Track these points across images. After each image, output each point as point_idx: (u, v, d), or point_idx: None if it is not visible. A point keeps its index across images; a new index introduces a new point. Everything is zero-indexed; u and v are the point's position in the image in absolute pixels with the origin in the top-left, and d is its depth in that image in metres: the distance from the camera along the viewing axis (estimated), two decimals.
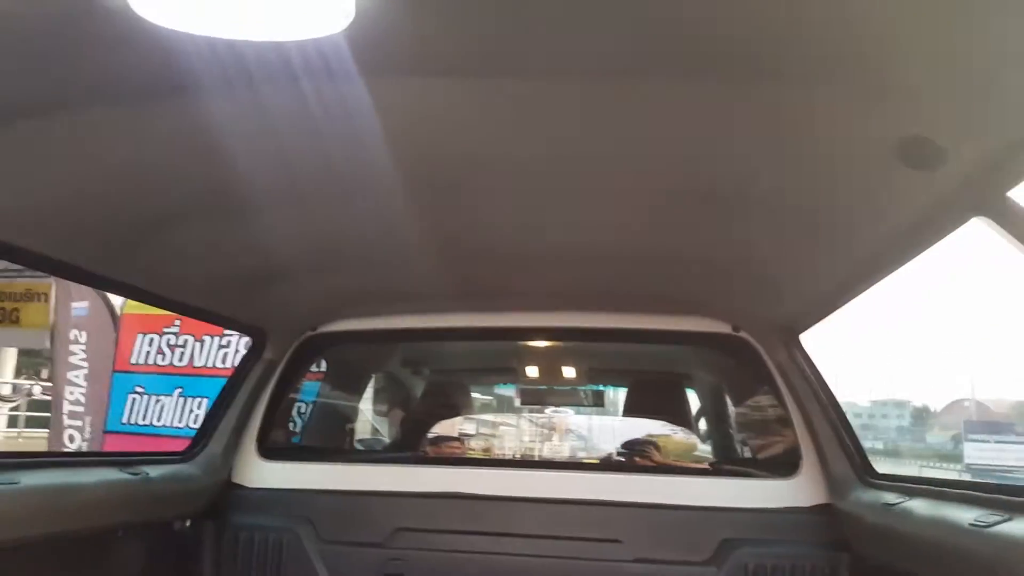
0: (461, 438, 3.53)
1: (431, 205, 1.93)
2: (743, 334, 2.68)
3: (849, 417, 2.53)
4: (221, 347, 5.98)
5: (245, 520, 2.70)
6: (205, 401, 5.83)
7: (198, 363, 6.04)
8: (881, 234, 1.75)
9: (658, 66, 1.23)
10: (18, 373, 14.31)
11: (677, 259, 2.24)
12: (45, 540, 1.99)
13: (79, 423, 6.48)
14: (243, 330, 2.93)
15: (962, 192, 1.42)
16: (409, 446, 3.42)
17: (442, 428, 3.48)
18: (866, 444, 2.64)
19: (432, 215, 2.00)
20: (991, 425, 24.69)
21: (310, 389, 3.25)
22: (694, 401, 3.65)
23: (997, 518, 1.54)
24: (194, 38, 1.10)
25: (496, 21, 1.13)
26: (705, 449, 3.32)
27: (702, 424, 3.45)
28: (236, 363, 5.70)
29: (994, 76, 1.13)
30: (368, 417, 3.61)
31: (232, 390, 2.86)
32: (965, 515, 1.64)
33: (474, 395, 4.21)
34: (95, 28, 1.10)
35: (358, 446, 3.48)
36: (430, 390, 3.91)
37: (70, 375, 6.57)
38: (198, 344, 6.07)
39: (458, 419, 3.82)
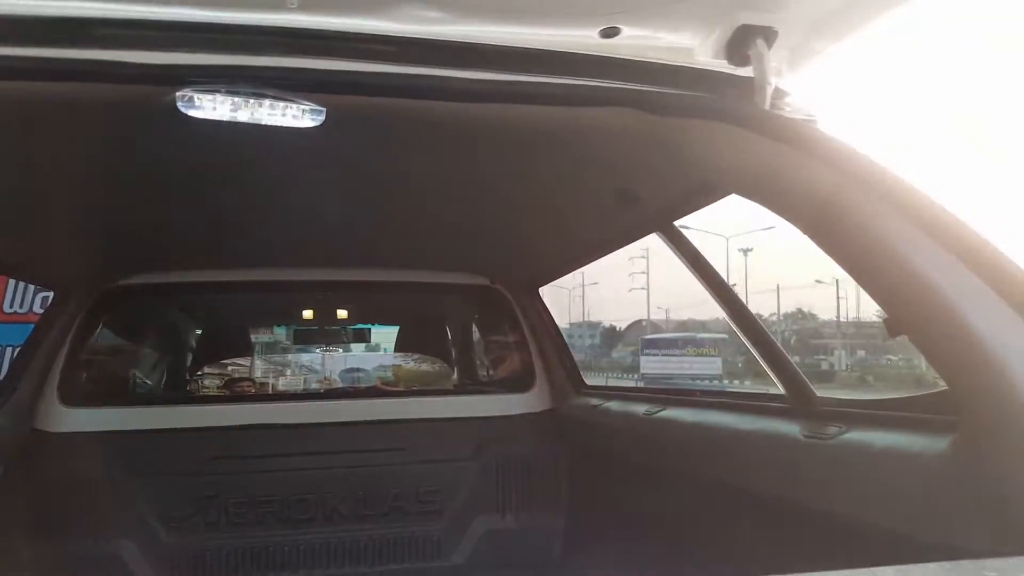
0: (251, 379, 3.91)
1: (202, 193, 2.36)
2: (498, 286, 3.50)
3: None
4: None
5: (56, 463, 2.83)
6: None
7: None
8: (596, 235, 2.70)
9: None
10: None
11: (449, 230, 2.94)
12: None
13: None
14: (47, 284, 3.04)
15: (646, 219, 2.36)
16: (202, 387, 3.75)
17: (231, 370, 3.85)
18: None
19: (201, 199, 2.41)
20: (659, 341, 30.15)
21: (110, 339, 3.42)
22: (456, 338, 4.42)
23: (657, 409, 2.53)
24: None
25: None
26: (466, 374, 4.13)
27: (462, 355, 4.24)
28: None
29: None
30: (164, 363, 3.83)
31: (36, 341, 2.98)
32: (639, 408, 2.64)
33: (256, 340, 4.56)
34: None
35: (157, 390, 3.72)
36: (216, 337, 4.20)
37: None
38: None
39: (244, 360, 4.18)
